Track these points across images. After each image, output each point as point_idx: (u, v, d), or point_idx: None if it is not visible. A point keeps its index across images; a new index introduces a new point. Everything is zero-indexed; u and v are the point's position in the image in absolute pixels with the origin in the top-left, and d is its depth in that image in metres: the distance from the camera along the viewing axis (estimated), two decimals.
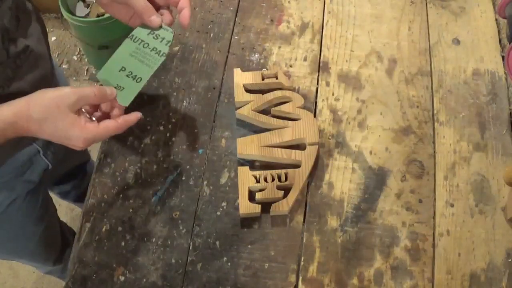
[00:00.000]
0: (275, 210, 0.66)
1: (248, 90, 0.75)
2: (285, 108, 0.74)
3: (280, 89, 0.75)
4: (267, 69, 0.78)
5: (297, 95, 0.75)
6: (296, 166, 0.69)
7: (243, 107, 0.73)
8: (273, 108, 0.74)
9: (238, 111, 0.73)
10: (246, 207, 0.66)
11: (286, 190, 0.67)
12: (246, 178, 0.68)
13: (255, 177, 0.68)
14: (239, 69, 0.77)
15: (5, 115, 0.54)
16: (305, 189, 0.69)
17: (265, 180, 0.68)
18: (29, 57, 0.65)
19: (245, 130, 0.74)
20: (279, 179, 0.68)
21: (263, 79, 0.76)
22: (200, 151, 0.72)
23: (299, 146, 0.71)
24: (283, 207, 0.66)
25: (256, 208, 0.66)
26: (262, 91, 0.75)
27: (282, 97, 0.74)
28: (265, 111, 0.74)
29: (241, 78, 0.76)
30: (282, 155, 0.69)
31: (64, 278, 1.23)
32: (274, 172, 0.68)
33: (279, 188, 0.67)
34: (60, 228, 1.04)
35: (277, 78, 0.76)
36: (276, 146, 0.70)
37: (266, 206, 0.66)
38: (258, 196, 0.67)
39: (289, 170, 0.68)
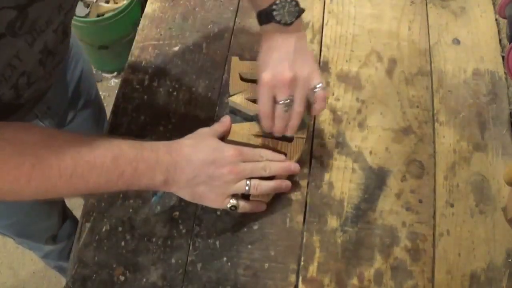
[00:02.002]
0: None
1: (243, 79, 0.75)
2: None
3: None
4: None
5: None
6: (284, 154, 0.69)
7: (236, 94, 0.73)
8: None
9: (231, 98, 0.73)
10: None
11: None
12: None
13: None
14: (237, 57, 0.77)
15: (155, 143, 0.59)
16: (305, 189, 0.69)
17: None
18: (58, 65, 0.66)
19: (237, 118, 0.73)
20: None
21: None
22: None
23: (287, 138, 0.71)
24: (263, 194, 0.66)
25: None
26: (257, 81, 0.75)
27: None
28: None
29: (237, 66, 0.76)
30: (269, 145, 0.69)
31: (63, 273, 1.23)
32: None
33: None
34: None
35: None
36: (265, 136, 0.70)
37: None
38: None
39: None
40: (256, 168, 0.62)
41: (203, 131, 0.64)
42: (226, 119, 0.68)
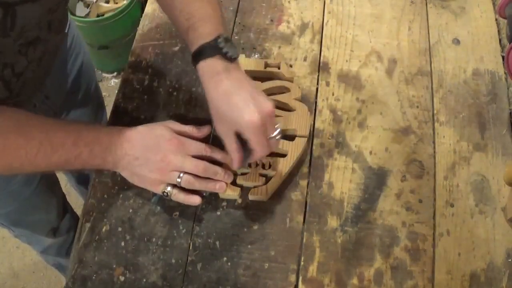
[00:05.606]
0: (253, 194, 0.66)
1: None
2: (281, 98, 0.74)
3: (280, 79, 0.75)
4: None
5: (296, 86, 0.75)
6: (283, 156, 0.69)
7: None
8: (270, 97, 0.74)
9: None
10: (226, 189, 0.67)
11: (268, 178, 0.68)
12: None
13: None
14: (243, 55, 0.77)
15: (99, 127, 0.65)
16: (305, 189, 0.69)
17: (249, 165, 0.68)
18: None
19: None
20: (263, 167, 0.68)
21: (265, 68, 0.76)
22: None
23: (289, 137, 0.71)
24: (262, 192, 0.66)
25: (235, 191, 0.67)
26: (262, 79, 0.75)
27: (280, 87, 0.75)
28: None
29: (243, 64, 0.76)
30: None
31: (61, 270, 1.23)
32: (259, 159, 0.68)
33: (261, 175, 0.68)
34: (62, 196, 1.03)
35: (279, 69, 0.76)
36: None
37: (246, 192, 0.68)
38: (239, 179, 0.67)
39: (275, 159, 0.68)
40: (190, 164, 0.62)
41: (167, 122, 0.66)
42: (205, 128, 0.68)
